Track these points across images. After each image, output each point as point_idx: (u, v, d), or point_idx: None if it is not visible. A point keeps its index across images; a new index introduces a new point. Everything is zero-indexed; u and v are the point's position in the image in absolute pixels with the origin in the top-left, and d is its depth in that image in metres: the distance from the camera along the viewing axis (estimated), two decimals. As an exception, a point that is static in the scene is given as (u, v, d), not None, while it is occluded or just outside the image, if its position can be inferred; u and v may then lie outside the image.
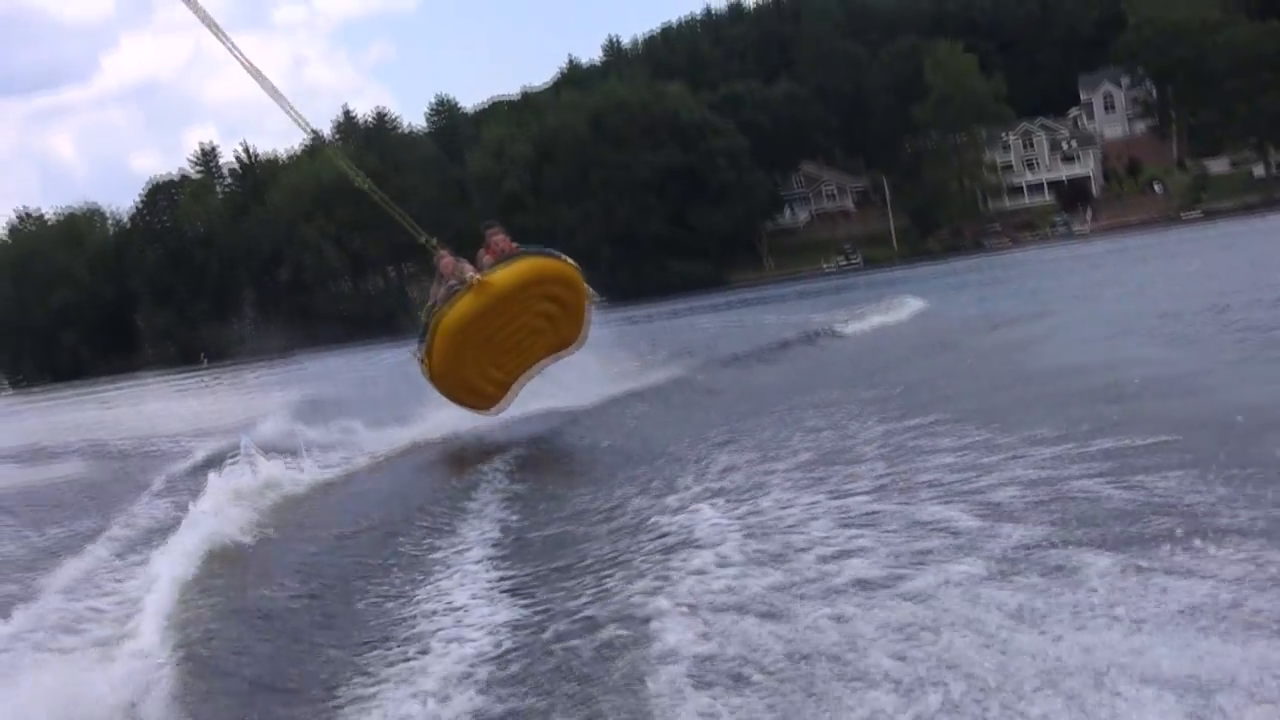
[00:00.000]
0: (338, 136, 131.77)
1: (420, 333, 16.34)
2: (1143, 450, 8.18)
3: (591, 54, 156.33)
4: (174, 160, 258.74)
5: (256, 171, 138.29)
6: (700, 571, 6.88)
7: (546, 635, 6.38)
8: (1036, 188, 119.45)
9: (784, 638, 5.56)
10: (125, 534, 11.14)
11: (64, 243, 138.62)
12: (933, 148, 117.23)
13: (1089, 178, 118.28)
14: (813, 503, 8.21)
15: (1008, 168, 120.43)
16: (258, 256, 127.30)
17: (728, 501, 8.71)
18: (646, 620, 6.11)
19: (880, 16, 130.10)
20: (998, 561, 6.09)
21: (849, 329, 27.41)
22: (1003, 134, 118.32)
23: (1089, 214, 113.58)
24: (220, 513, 10.30)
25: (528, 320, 16.10)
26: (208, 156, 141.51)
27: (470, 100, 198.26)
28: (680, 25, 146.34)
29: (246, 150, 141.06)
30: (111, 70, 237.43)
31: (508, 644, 6.36)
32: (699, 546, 7.48)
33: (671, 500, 9.17)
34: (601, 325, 17.36)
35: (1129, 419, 9.35)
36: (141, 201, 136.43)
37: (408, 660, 6.35)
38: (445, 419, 17.00)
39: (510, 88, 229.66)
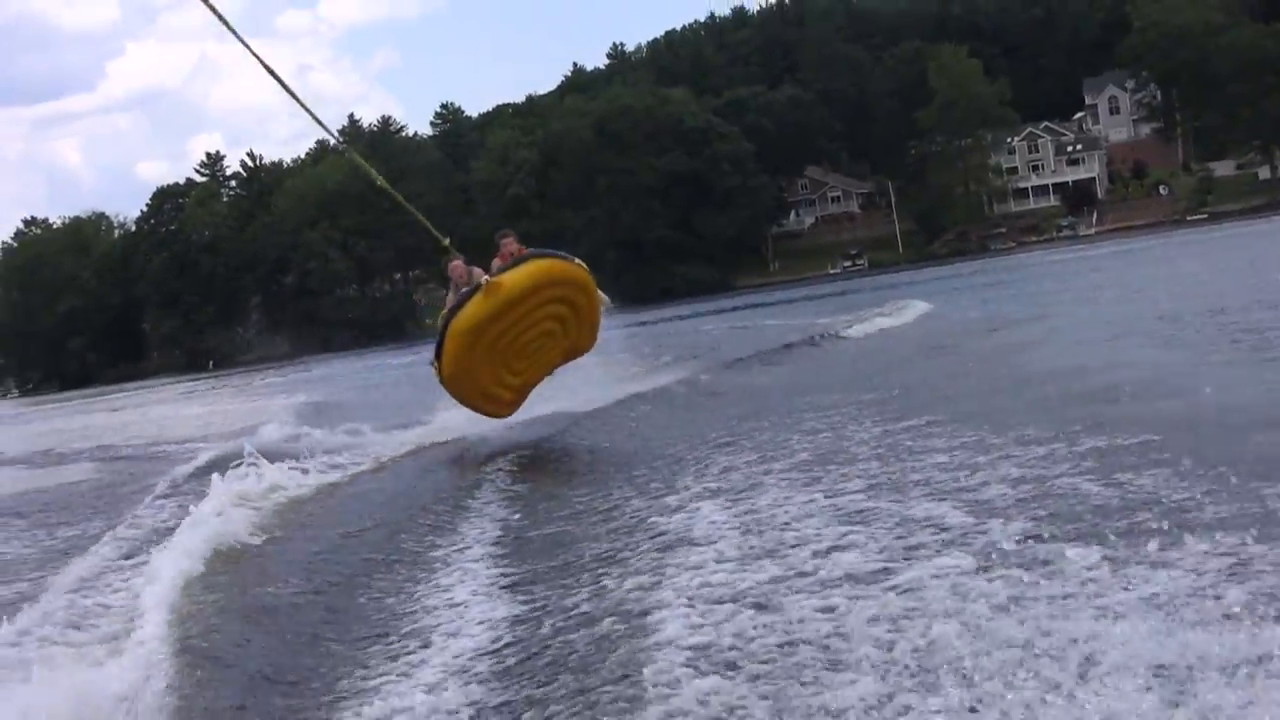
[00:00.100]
0: (344, 142, 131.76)
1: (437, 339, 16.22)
2: (1129, 449, 8.36)
3: (596, 60, 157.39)
4: (180, 168, 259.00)
5: (262, 177, 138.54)
6: (697, 567, 7.02)
7: (545, 629, 6.50)
8: (1041, 191, 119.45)
9: (776, 628, 5.69)
10: (132, 535, 11.28)
11: (70, 249, 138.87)
12: (937, 152, 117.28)
13: (1094, 181, 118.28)
14: (808, 501, 8.40)
15: (1013, 171, 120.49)
16: (264, 262, 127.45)
17: (725, 500, 8.89)
18: (644, 613, 6.23)
19: (884, 21, 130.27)
20: (985, 555, 6.23)
21: (852, 332, 27.56)
22: (1007, 138, 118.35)
23: (1094, 217, 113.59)
24: (224, 513, 10.42)
25: (539, 323, 15.84)
26: (213, 162, 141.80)
27: (475, 106, 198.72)
28: (684, 31, 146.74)
29: (252, 156, 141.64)
30: (117, 78, 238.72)
31: (507, 638, 6.48)
32: (696, 544, 7.63)
33: (670, 500, 9.34)
34: (605, 329, 17.44)
35: (1119, 419, 9.52)
36: (147, 208, 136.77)
37: (409, 654, 6.48)
38: (450, 421, 17.03)
39: (515, 94, 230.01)
